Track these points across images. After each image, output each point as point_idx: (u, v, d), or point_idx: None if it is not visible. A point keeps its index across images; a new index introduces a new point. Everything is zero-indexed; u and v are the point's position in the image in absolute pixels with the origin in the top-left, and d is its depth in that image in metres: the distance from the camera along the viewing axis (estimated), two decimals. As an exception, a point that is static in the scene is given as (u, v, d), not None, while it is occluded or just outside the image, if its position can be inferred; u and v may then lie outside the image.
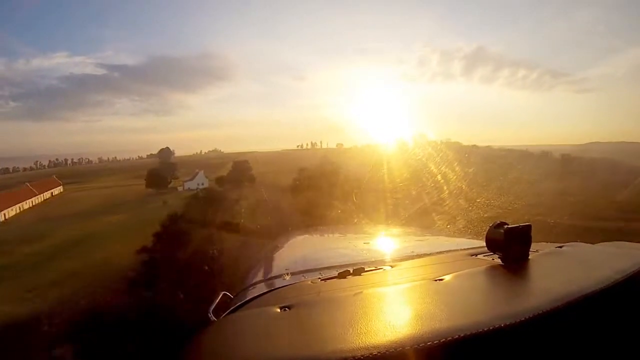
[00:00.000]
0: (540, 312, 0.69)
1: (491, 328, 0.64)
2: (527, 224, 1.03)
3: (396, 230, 2.90)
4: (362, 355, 0.59)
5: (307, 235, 2.63)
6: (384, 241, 2.20)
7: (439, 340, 0.61)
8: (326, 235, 2.63)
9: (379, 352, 0.59)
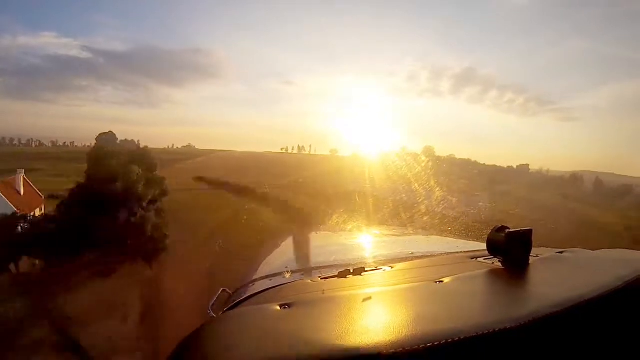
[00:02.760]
0: (539, 317, 0.69)
1: (490, 331, 0.64)
2: (528, 228, 1.03)
3: (396, 231, 2.90)
4: (361, 355, 0.59)
5: (307, 235, 2.64)
6: (385, 242, 2.20)
7: (439, 342, 0.61)
8: (327, 235, 2.64)
9: (379, 352, 0.60)
